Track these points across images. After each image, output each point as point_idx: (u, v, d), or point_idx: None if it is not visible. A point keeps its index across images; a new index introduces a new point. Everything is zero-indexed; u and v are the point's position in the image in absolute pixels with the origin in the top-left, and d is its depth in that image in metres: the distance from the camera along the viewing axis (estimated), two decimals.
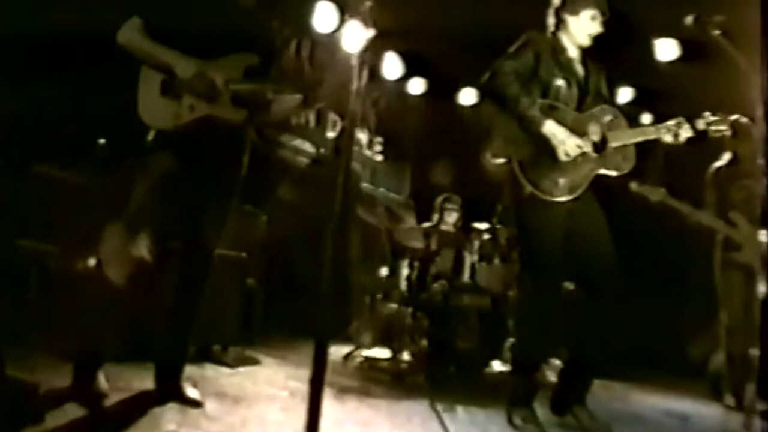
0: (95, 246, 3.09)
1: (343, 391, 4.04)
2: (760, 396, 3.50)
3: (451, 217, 6.01)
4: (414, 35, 6.57)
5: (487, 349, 5.20)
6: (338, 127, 6.65)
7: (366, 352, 5.32)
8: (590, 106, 3.61)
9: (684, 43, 6.13)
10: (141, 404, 2.98)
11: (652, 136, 3.48)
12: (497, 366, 5.27)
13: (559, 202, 3.46)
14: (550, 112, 3.46)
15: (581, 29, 3.56)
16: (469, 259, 5.62)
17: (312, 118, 6.58)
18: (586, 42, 3.59)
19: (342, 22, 6.21)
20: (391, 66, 7.04)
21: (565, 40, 3.62)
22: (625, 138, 3.51)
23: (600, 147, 3.51)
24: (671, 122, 3.46)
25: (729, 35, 3.39)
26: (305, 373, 4.24)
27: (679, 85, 5.87)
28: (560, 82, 3.50)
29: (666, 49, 6.19)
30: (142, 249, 2.94)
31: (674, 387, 5.28)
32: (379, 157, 7.22)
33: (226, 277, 4.30)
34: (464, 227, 5.97)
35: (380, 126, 7.03)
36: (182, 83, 3.14)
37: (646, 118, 5.36)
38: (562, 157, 3.44)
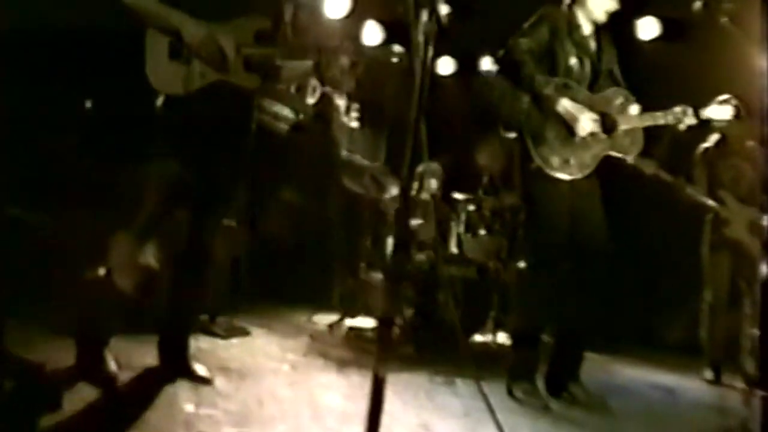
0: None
1: (342, 364, 3.98)
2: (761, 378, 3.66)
3: (432, 186, 5.91)
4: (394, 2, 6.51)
5: (472, 320, 5.13)
6: (317, 93, 6.48)
7: (350, 322, 5.25)
8: (602, 86, 3.61)
9: (665, 22, 6.17)
10: (151, 383, 2.90)
11: (661, 122, 3.48)
12: (479, 338, 5.27)
13: (567, 180, 3.46)
14: (564, 90, 3.45)
15: (598, 4, 3.53)
16: (455, 229, 5.57)
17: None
18: (602, 18, 3.57)
19: None
20: (371, 33, 6.94)
21: (580, 15, 3.59)
22: (635, 122, 3.53)
23: (610, 128, 3.50)
24: (678, 109, 3.45)
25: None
26: (295, 344, 4.33)
27: (660, 65, 5.88)
28: (573, 61, 3.49)
29: (647, 28, 6.24)
30: (150, 258, 2.88)
31: (656, 360, 5.33)
32: (355, 124, 7.07)
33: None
34: (444, 197, 5.89)
35: (357, 92, 6.86)
36: (191, 47, 2.98)
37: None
38: (580, 133, 3.42)
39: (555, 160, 3.47)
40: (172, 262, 3.10)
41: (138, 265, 2.83)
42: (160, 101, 3.03)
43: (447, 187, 5.97)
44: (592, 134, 3.45)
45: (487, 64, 7.17)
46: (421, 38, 2.00)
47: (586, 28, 3.60)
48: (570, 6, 3.58)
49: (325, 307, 5.72)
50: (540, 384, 3.66)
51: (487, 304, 5.26)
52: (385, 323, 4.80)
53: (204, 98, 2.99)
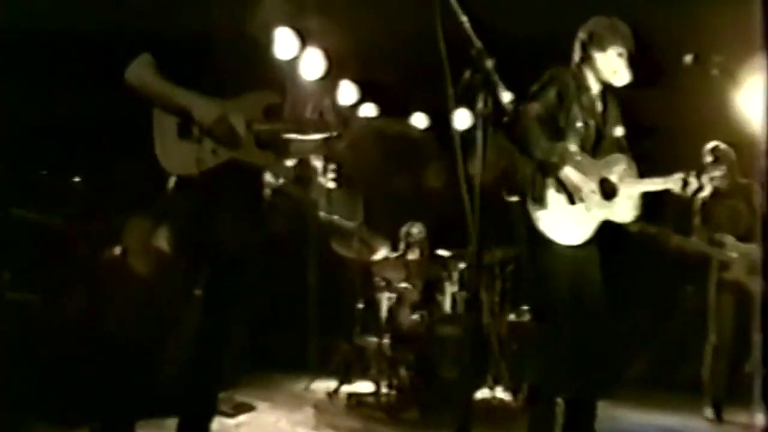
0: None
1: None
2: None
3: (417, 246, 5.97)
4: (368, 62, 6.57)
5: (473, 377, 5.07)
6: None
7: (347, 387, 5.23)
8: (606, 149, 3.61)
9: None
10: None
11: (661, 187, 3.52)
12: (479, 395, 5.23)
13: (568, 246, 3.47)
14: (568, 156, 3.45)
15: (608, 66, 3.54)
16: (450, 289, 5.56)
17: None
18: (611, 80, 3.58)
19: (302, 49, 6.10)
20: (346, 92, 6.97)
21: (589, 77, 3.60)
22: (635, 188, 3.55)
23: (610, 194, 3.53)
24: (677, 175, 3.47)
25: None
26: (302, 417, 4.24)
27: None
28: (579, 125, 3.50)
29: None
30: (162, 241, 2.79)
31: (660, 403, 5.37)
32: (332, 184, 7.05)
33: None
34: (430, 255, 5.93)
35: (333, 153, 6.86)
36: (203, 127, 2.93)
37: None
38: (577, 203, 3.46)
39: (556, 225, 3.47)
40: (192, 340, 3.00)
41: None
42: (171, 183, 2.97)
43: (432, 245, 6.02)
44: (593, 201, 3.48)
45: (461, 118, 7.20)
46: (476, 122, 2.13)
47: (594, 88, 3.62)
48: (579, 65, 3.62)
49: (323, 373, 5.60)
50: None
51: (485, 360, 5.23)
52: (393, 388, 4.79)
53: (217, 178, 2.94)
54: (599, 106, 3.62)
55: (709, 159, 4.68)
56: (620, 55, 3.49)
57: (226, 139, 2.95)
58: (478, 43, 2.28)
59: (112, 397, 2.85)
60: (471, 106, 2.22)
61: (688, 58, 3.56)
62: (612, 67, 3.52)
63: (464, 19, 2.29)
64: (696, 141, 4.57)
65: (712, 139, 4.63)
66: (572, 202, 3.46)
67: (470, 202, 2.18)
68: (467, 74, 2.31)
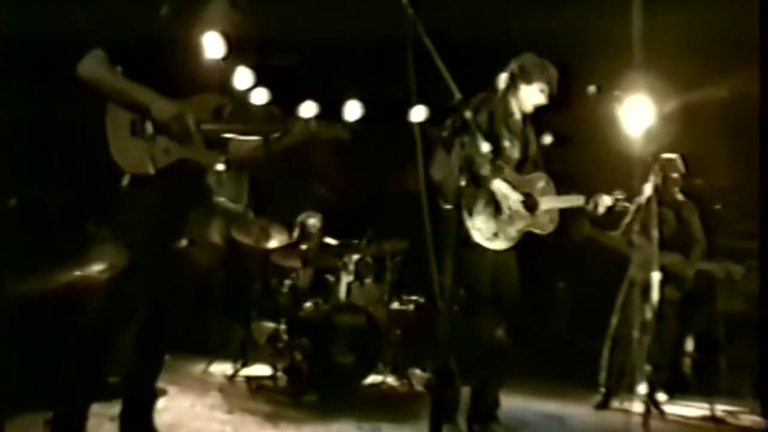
0: None
1: (268, 418, 4.11)
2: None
3: (313, 236, 6.15)
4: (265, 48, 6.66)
5: (365, 363, 5.38)
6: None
7: (245, 371, 5.36)
8: (528, 169, 4.10)
9: None
10: None
11: (577, 204, 4.02)
12: (370, 380, 5.51)
13: (493, 250, 3.92)
14: (497, 171, 3.87)
15: (530, 98, 4.01)
16: (345, 278, 5.80)
17: None
18: (529, 110, 4.05)
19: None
20: (242, 77, 6.99)
21: (513, 104, 4.01)
22: (553, 203, 4.05)
23: (532, 207, 4.00)
24: (581, 196, 4.02)
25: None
26: (213, 401, 4.37)
27: None
28: (507, 143, 3.89)
29: None
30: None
31: (548, 391, 5.88)
32: (221, 167, 7.09)
33: None
34: (322, 245, 6.16)
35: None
36: (156, 124, 3.01)
37: None
38: (506, 212, 3.90)
39: (485, 232, 3.89)
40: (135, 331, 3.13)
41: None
42: (126, 180, 3.02)
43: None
44: (517, 212, 3.89)
45: (351, 109, 7.41)
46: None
47: (517, 115, 4.06)
48: (505, 94, 3.99)
49: (219, 356, 5.71)
50: (462, 424, 4.01)
51: (377, 348, 5.51)
52: (290, 372, 5.00)
53: (169, 176, 3.04)
54: (521, 131, 4.02)
55: (656, 169, 4.92)
56: (542, 91, 3.93)
57: (182, 136, 3.03)
58: (458, 95, 2.61)
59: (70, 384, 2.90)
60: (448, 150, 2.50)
61: (592, 89, 3.98)
62: (533, 99, 3.95)
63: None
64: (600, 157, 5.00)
65: (609, 156, 5.06)
66: (499, 211, 3.85)
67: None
68: (449, 122, 2.75)
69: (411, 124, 7.38)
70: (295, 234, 6.14)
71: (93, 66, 2.99)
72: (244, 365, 5.42)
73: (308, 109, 7.62)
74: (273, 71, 7.12)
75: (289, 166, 6.67)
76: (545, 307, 7.16)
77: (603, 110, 4.15)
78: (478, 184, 3.86)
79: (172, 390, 4.52)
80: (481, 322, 3.92)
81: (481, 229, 3.88)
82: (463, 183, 3.59)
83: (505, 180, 3.92)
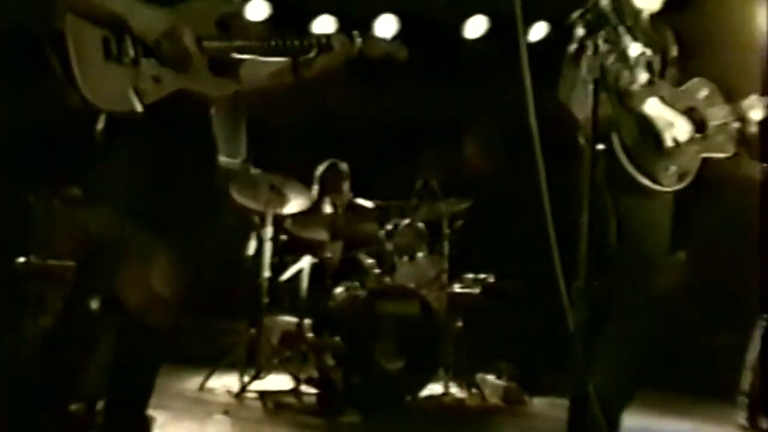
0: None
1: None
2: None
3: (341, 194, 6.01)
4: None
5: (419, 368, 5.25)
6: None
7: (257, 384, 5.25)
8: (673, 76, 3.94)
9: None
10: None
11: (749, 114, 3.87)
12: (434, 389, 5.42)
13: (666, 192, 3.79)
14: (649, 87, 3.68)
15: None
16: (388, 252, 5.68)
17: None
18: (656, 6, 3.91)
19: None
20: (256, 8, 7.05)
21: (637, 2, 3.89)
22: (722, 115, 3.86)
23: (700, 126, 3.83)
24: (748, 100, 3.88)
25: None
26: (220, 429, 4.22)
27: None
28: (640, 50, 3.63)
29: None
30: None
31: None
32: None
33: None
34: (354, 208, 6.03)
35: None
36: (146, 44, 2.85)
37: None
38: (668, 143, 3.73)
39: (653, 170, 3.75)
40: None
41: None
42: (101, 123, 2.87)
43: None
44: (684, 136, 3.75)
45: (384, 24, 7.23)
46: None
47: (645, 12, 3.91)
48: None
49: (220, 366, 5.54)
50: None
51: (435, 347, 5.38)
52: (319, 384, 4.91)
53: (161, 116, 2.87)
54: (653, 31, 3.91)
55: None
56: None
57: (176, 59, 2.89)
58: None
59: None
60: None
61: None
62: None
63: None
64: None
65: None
66: (661, 140, 3.73)
67: None
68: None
69: (462, 42, 7.49)
70: (315, 194, 5.99)
71: None
72: (256, 377, 5.27)
73: (325, 24, 7.48)
74: None
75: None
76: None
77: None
78: (628, 106, 3.71)
79: (159, 417, 4.36)
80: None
81: (645, 167, 3.73)
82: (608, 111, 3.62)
83: (662, 98, 3.74)
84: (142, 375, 3.23)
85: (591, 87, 3.08)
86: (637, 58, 3.38)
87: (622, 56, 3.43)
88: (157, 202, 2.97)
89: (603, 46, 3.18)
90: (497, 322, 5.81)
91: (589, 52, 3.10)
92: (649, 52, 3.66)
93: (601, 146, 3.50)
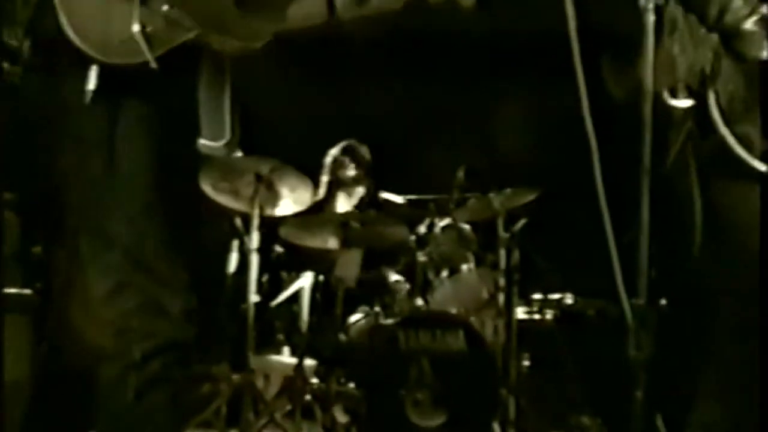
0: None
1: None
2: None
3: (358, 186, 5.86)
4: None
5: (470, 425, 5.02)
6: None
7: None
8: None
9: None
10: None
11: None
12: None
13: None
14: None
15: None
16: (422, 265, 5.60)
17: None
18: None
19: None
20: None
21: None
22: None
23: None
24: None
25: None
26: None
27: None
28: None
29: None
30: None
31: None
32: None
33: None
34: (376, 204, 5.90)
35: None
36: None
37: None
38: None
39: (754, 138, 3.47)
40: None
41: None
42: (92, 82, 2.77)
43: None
44: None
45: None
46: None
47: None
48: None
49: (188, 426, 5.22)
50: None
51: (490, 393, 5.13)
52: None
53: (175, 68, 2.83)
54: None
55: None
56: None
57: None
58: None
59: None
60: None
61: None
62: None
63: None
64: None
65: None
66: None
67: None
68: None
69: None
70: (322, 189, 5.76)
71: None
72: None
73: None
74: None
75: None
76: None
77: None
78: (736, 50, 3.41)
79: None
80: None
81: (746, 135, 3.41)
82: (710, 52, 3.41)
83: None
84: None
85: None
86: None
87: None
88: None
89: None
90: (577, 360, 5.53)
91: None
92: None
93: (687, 103, 3.42)
